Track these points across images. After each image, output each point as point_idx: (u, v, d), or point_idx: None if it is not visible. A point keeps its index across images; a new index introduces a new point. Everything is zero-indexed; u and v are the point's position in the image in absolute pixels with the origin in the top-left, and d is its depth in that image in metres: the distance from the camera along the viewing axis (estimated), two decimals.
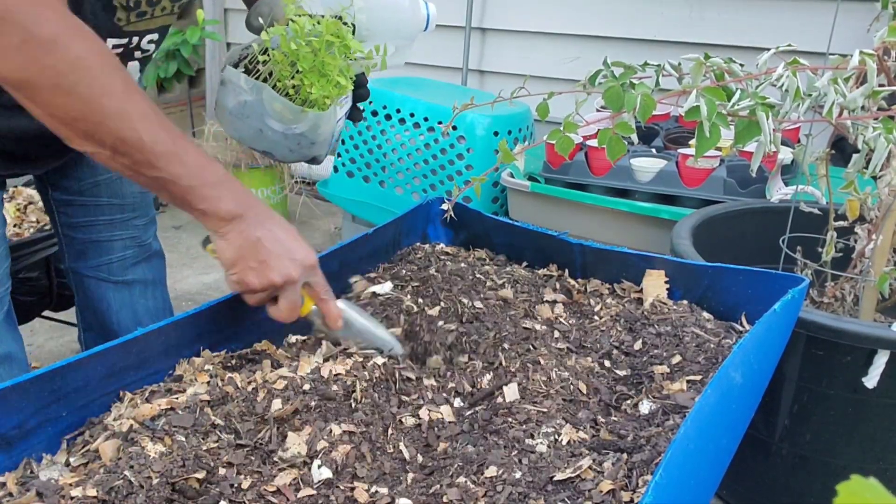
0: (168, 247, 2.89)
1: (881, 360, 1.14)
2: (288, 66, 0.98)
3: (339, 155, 2.55)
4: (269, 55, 0.98)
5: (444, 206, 1.34)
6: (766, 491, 1.36)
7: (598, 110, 2.21)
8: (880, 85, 1.11)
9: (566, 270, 1.25)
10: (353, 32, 1.03)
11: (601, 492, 0.77)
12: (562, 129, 1.11)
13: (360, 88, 1.11)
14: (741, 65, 1.16)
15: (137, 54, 1.09)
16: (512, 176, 2.09)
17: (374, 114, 2.42)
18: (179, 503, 0.74)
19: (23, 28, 0.73)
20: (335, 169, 2.58)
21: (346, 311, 0.99)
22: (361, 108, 1.19)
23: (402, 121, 2.37)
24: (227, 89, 1.00)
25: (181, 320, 0.95)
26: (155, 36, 1.09)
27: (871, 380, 1.16)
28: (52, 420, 0.84)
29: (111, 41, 1.01)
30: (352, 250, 1.21)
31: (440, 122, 2.29)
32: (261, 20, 1.06)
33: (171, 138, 0.82)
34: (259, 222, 0.87)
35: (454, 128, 2.26)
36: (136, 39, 1.05)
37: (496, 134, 2.27)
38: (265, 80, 0.99)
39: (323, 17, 0.99)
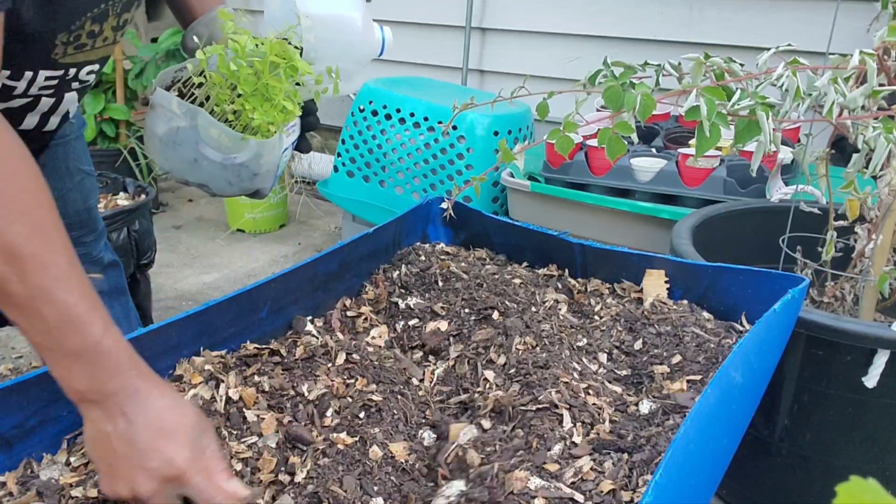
0: (168, 247, 2.91)
1: (881, 359, 1.14)
2: (227, 89, 0.90)
3: (338, 155, 2.55)
4: (205, 77, 0.91)
5: (444, 206, 1.34)
6: (766, 491, 1.36)
7: (598, 110, 2.21)
8: (880, 85, 1.11)
9: (566, 270, 1.25)
10: (301, 54, 0.96)
11: (601, 492, 0.77)
12: (562, 128, 1.11)
13: (309, 116, 1.04)
14: (741, 64, 1.16)
15: (75, 85, 1.03)
16: (512, 176, 2.09)
17: (375, 113, 2.42)
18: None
19: None
20: (335, 169, 2.58)
21: None
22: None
23: (402, 120, 2.37)
24: (157, 114, 0.91)
25: (181, 320, 0.95)
26: (95, 66, 1.03)
27: (871, 380, 1.16)
28: (52, 420, 0.84)
29: (45, 73, 0.95)
30: (352, 250, 1.21)
31: (440, 122, 2.29)
32: (196, 40, 0.99)
33: (41, 280, 0.65)
34: (119, 411, 0.69)
35: (454, 127, 2.26)
36: (73, 71, 0.99)
37: (496, 134, 2.27)
38: (201, 105, 0.91)
39: (265, 38, 0.92)
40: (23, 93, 0.96)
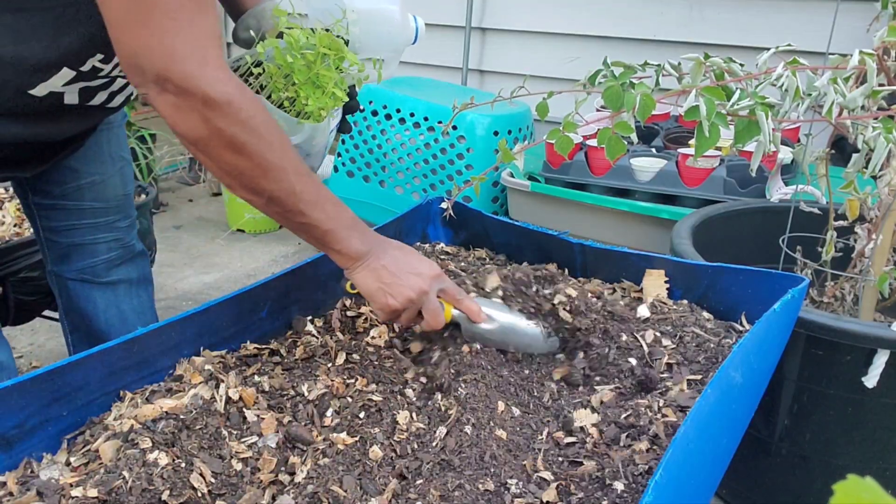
0: (168, 247, 2.90)
1: (881, 359, 1.14)
2: (282, 78, 0.99)
3: (339, 155, 2.55)
4: (262, 68, 0.99)
5: (444, 205, 1.34)
6: (766, 491, 1.36)
7: (597, 110, 2.21)
8: (880, 85, 1.11)
9: (566, 270, 1.25)
10: (347, 45, 1.05)
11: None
12: (561, 128, 1.11)
13: (351, 100, 1.12)
14: (741, 64, 1.16)
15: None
16: (512, 175, 2.09)
17: (375, 113, 2.42)
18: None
19: (201, 92, 0.80)
20: (335, 169, 2.58)
21: (486, 308, 1.02)
22: (353, 119, 1.23)
23: (402, 120, 2.37)
24: None
25: (181, 320, 0.95)
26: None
27: (870, 379, 1.16)
28: (52, 420, 0.84)
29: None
30: None
31: (440, 122, 2.29)
32: (251, 32, 1.06)
33: (315, 189, 0.90)
34: (383, 252, 0.96)
35: (454, 127, 2.26)
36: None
37: (496, 133, 2.27)
38: (258, 93, 0.99)
39: (314, 30, 1.00)
40: (107, 74, 1.02)
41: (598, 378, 1.00)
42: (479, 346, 1.02)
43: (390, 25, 1.09)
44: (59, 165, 1.25)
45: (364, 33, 1.06)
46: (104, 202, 1.34)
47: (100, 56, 0.98)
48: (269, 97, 1.00)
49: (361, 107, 1.20)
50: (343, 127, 1.16)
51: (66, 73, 0.97)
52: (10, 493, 0.75)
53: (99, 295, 1.40)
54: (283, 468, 0.82)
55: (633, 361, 1.00)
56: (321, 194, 0.92)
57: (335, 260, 0.96)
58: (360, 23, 1.04)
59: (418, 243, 1.37)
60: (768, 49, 1.19)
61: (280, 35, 1.01)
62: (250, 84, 0.99)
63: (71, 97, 1.03)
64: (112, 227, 1.37)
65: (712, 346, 1.02)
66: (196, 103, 0.80)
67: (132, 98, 1.16)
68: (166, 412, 0.85)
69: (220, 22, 1.01)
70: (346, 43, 1.05)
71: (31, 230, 1.89)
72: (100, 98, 1.08)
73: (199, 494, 0.76)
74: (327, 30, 1.01)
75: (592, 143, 1.92)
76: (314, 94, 1.00)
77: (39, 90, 0.98)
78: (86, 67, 0.99)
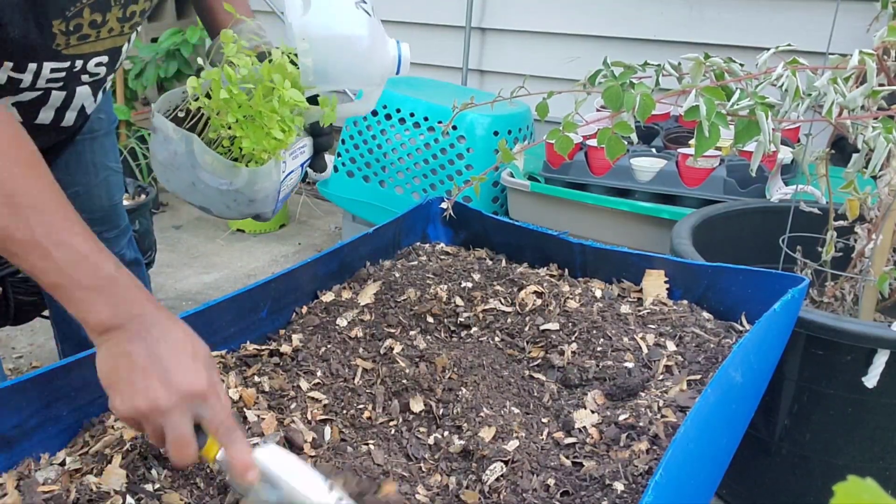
0: (168, 247, 2.90)
1: (881, 359, 1.14)
2: (225, 114, 0.89)
3: (339, 155, 2.55)
4: (203, 101, 0.90)
5: (444, 205, 1.34)
6: (766, 491, 1.36)
7: (597, 110, 2.21)
8: (880, 84, 1.11)
9: (566, 270, 1.25)
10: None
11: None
12: (561, 128, 1.11)
13: (321, 137, 1.02)
14: (741, 64, 1.16)
15: (85, 78, 1.03)
16: (512, 175, 2.09)
17: (374, 113, 2.42)
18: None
19: None
20: (335, 169, 2.58)
21: (265, 464, 0.71)
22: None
23: (402, 120, 2.37)
24: (158, 138, 0.92)
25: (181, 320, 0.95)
26: (104, 58, 1.02)
27: (870, 379, 1.16)
28: (52, 420, 0.84)
29: (49, 65, 0.95)
30: (352, 250, 1.22)
31: (440, 122, 2.29)
32: (221, 51, 0.95)
33: (45, 226, 0.69)
34: (139, 334, 0.70)
35: (454, 127, 2.25)
36: (80, 63, 0.98)
37: (496, 133, 2.26)
38: (203, 129, 0.91)
39: (270, 59, 0.90)
40: (30, 85, 0.96)
41: (596, 380, 1.00)
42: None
43: (356, 54, 0.94)
44: None
45: (323, 63, 0.93)
46: (89, 213, 1.28)
47: (8, 64, 0.91)
48: (208, 136, 0.90)
49: (333, 145, 1.06)
50: (315, 164, 1.05)
51: None
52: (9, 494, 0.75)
53: None
54: None
55: (631, 364, 1.00)
56: (52, 236, 0.69)
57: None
58: (314, 52, 0.91)
59: (418, 243, 1.37)
60: (768, 49, 1.19)
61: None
62: (195, 118, 0.91)
63: (46, 115, 0.98)
64: (98, 237, 1.33)
65: (712, 346, 1.02)
66: None
67: (87, 112, 1.10)
68: None
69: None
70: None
71: None
72: (46, 116, 1.02)
73: None
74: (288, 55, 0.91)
75: (592, 143, 1.92)
76: (255, 134, 0.88)
77: None
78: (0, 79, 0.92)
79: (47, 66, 0.95)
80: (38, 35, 0.90)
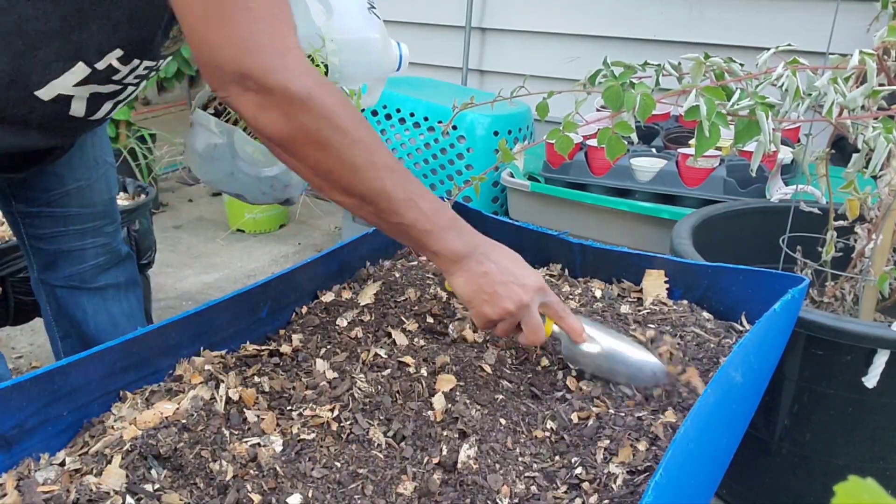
0: (168, 247, 2.90)
1: (881, 359, 1.14)
2: None
3: None
4: None
5: None
6: (766, 491, 1.36)
7: (597, 110, 2.21)
8: (880, 84, 1.11)
9: (566, 270, 1.25)
10: (326, 73, 1.02)
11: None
12: (561, 128, 1.11)
13: None
14: (741, 64, 1.16)
15: (152, 75, 1.08)
16: (512, 175, 2.09)
17: (375, 113, 2.42)
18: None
19: (282, 86, 0.76)
20: None
21: (590, 329, 0.95)
22: None
23: (402, 120, 2.37)
24: (197, 132, 0.98)
25: (181, 320, 0.95)
26: (161, 61, 1.08)
27: (870, 380, 1.16)
28: (52, 420, 0.84)
29: (146, 63, 1.00)
30: (352, 250, 1.22)
31: (440, 122, 2.29)
32: None
33: (410, 186, 0.85)
34: (485, 257, 0.90)
35: (454, 127, 2.26)
36: (161, 63, 1.05)
37: (496, 133, 2.27)
38: (236, 123, 0.97)
39: None
40: (121, 79, 0.99)
41: (596, 379, 1.00)
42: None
43: (371, 55, 1.05)
44: (43, 172, 1.22)
45: (345, 63, 1.03)
46: (91, 207, 1.31)
47: (118, 52, 0.95)
48: (245, 129, 0.97)
49: None
50: None
51: (80, 70, 0.94)
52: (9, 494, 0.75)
53: (88, 301, 1.38)
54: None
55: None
56: (417, 193, 0.86)
57: (433, 261, 0.91)
58: (340, 52, 1.01)
59: None
60: (768, 49, 1.19)
61: None
62: (229, 113, 0.98)
63: (78, 105, 1.00)
64: (99, 232, 1.35)
65: (712, 346, 1.02)
66: (278, 99, 0.77)
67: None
68: (166, 417, 0.85)
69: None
70: (326, 71, 1.03)
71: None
72: (104, 109, 1.05)
73: None
74: (310, 57, 1.00)
75: (592, 143, 1.92)
76: None
77: (46, 91, 0.94)
78: (101, 65, 0.95)
79: (144, 63, 1.00)
80: (163, 37, 0.97)
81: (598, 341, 0.94)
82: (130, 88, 1.05)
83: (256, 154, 0.96)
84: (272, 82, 0.76)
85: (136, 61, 0.98)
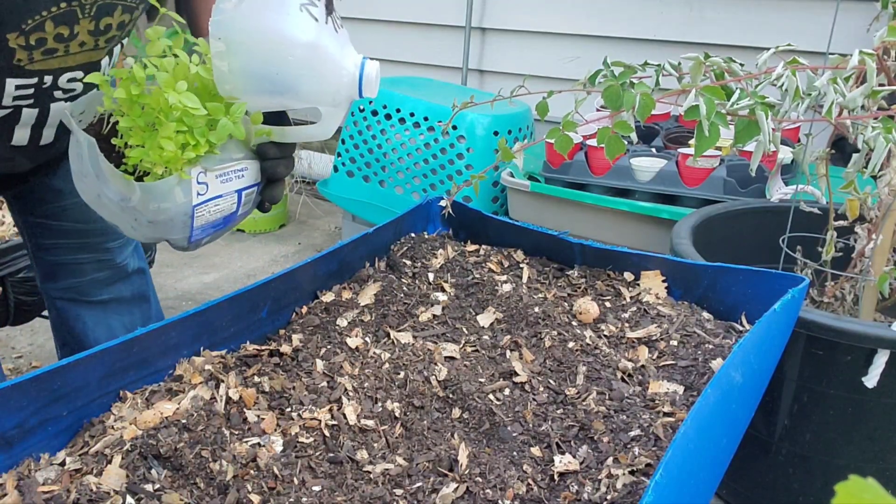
0: (168, 247, 2.90)
1: (881, 359, 1.14)
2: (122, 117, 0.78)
3: (338, 155, 2.55)
4: (108, 102, 0.80)
5: (442, 203, 1.34)
6: (766, 491, 1.36)
7: (597, 109, 2.21)
8: (880, 84, 1.11)
9: (566, 270, 1.24)
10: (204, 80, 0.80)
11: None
12: (561, 128, 1.11)
13: (265, 161, 0.88)
14: (741, 64, 1.16)
15: (58, 94, 0.97)
16: (512, 175, 2.09)
17: (374, 113, 2.42)
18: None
19: None
20: (335, 168, 2.58)
21: None
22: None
23: (402, 120, 2.37)
24: (71, 140, 0.80)
25: (181, 320, 0.95)
26: (77, 74, 0.95)
27: (871, 379, 1.16)
28: (52, 420, 0.84)
29: (13, 81, 0.90)
30: (352, 250, 1.21)
31: (440, 122, 2.29)
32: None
33: None
34: None
35: (454, 127, 2.26)
36: (48, 79, 0.93)
37: (496, 133, 2.27)
38: (106, 131, 0.80)
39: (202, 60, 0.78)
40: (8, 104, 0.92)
41: (596, 379, 1.00)
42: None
43: (287, 65, 0.78)
44: (41, 184, 1.19)
45: (240, 72, 0.77)
46: (91, 224, 1.26)
47: None
48: (117, 142, 0.80)
49: (285, 173, 0.91)
50: (265, 193, 0.90)
51: None
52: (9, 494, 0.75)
53: (87, 313, 1.35)
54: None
55: (630, 365, 1.00)
56: None
57: None
58: (233, 57, 0.76)
59: None
60: (768, 49, 1.19)
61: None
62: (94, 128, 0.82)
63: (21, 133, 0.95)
64: (99, 248, 1.31)
65: (712, 346, 1.02)
66: None
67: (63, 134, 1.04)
68: (166, 417, 0.85)
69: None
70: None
71: None
72: (22, 136, 0.98)
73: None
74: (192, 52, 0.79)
75: (592, 142, 1.92)
76: (149, 143, 0.75)
77: None
78: None
79: (10, 82, 0.90)
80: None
81: None
82: (29, 111, 0.95)
83: (111, 174, 0.75)
84: None
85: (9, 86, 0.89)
